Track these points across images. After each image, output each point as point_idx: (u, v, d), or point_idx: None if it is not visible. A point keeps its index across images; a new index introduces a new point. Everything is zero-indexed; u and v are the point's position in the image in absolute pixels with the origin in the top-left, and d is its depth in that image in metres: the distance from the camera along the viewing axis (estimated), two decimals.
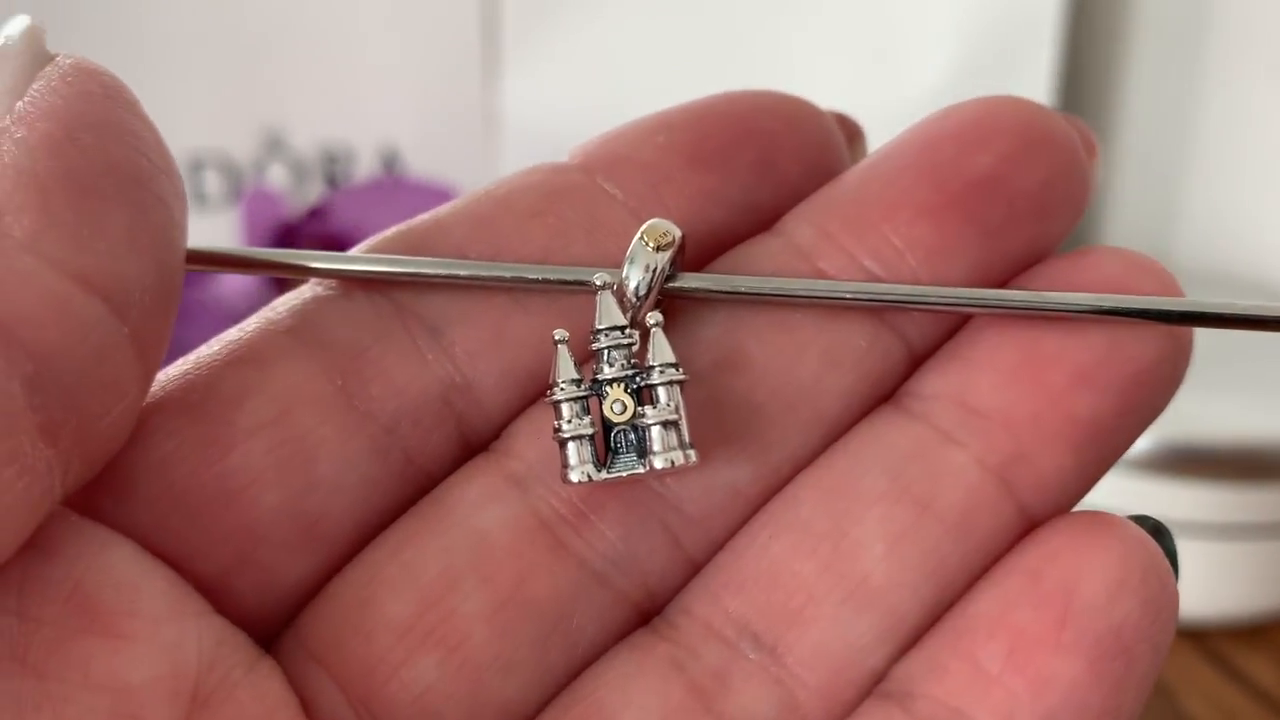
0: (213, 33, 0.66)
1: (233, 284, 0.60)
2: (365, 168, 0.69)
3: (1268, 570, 0.51)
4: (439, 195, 0.62)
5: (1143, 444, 0.49)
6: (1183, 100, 0.69)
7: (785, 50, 0.67)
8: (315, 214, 0.65)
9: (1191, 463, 0.50)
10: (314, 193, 0.68)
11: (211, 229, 0.66)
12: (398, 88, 0.69)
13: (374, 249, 0.24)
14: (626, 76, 0.66)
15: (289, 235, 0.65)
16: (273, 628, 0.23)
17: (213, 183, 0.68)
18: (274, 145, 0.69)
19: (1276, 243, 0.64)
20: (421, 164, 0.69)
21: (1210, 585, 0.52)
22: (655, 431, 0.22)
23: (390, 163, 0.70)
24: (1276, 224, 0.64)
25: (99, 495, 0.21)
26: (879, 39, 0.66)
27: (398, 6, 0.68)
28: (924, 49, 0.65)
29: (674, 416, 0.22)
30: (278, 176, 0.69)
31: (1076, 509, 0.23)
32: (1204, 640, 0.51)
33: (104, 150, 0.20)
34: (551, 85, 0.67)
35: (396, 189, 0.66)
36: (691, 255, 0.24)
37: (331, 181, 0.69)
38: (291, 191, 0.68)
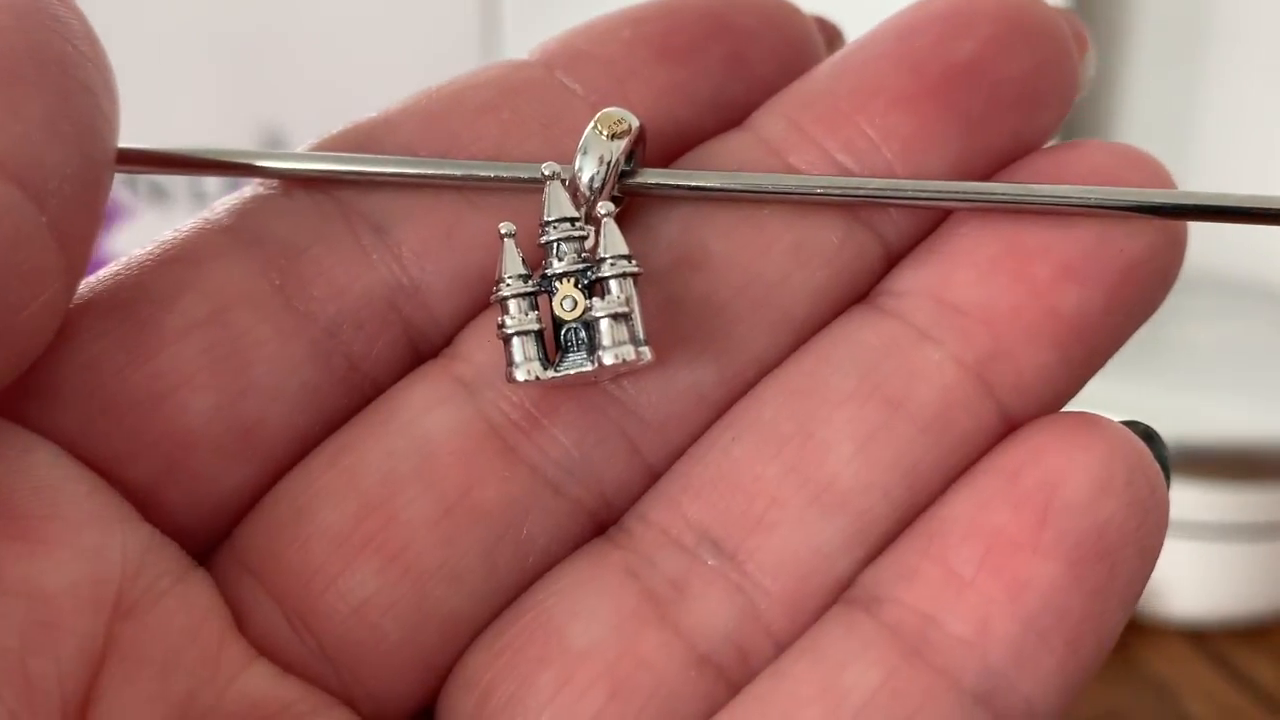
0: (213, 33, 0.66)
1: None
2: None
3: (1268, 570, 0.50)
4: None
5: None
6: (1182, 100, 0.68)
7: None
8: None
9: (1191, 463, 0.49)
10: None
11: None
12: (398, 87, 0.68)
13: (320, 147, 0.23)
14: None
15: None
16: (207, 539, 0.22)
17: (213, 182, 0.67)
18: (274, 145, 0.68)
19: (1276, 243, 0.64)
20: None
21: (1210, 585, 0.51)
22: (604, 325, 0.21)
23: None
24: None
25: (22, 397, 0.20)
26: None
27: (398, 6, 0.67)
28: None
29: (624, 309, 0.21)
30: None
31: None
32: (1204, 640, 0.50)
33: (25, 33, 0.19)
34: None
35: None
36: (658, 153, 0.23)
37: None
38: None
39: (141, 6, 0.63)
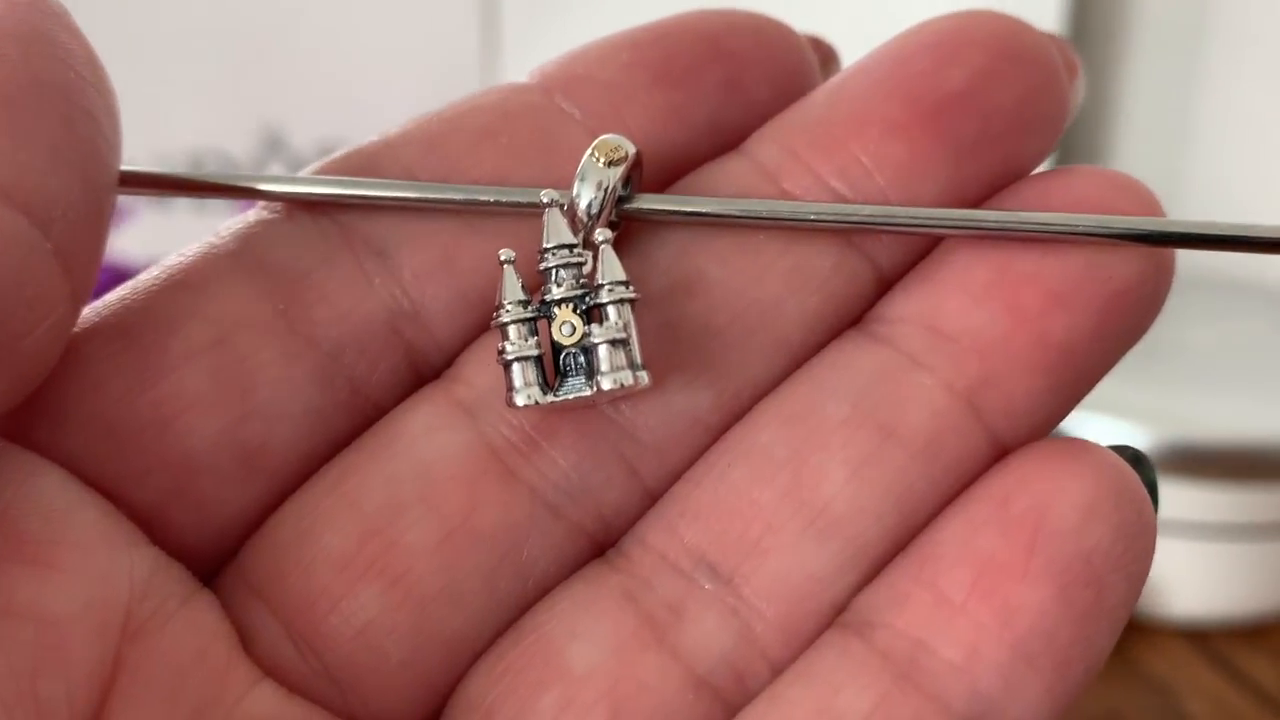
0: (213, 33, 0.66)
1: None
2: None
3: (1268, 570, 0.51)
4: None
5: (1143, 444, 0.48)
6: (1182, 100, 0.68)
7: None
8: None
9: (1191, 463, 0.49)
10: None
11: (211, 228, 0.65)
12: (398, 88, 0.68)
13: (321, 171, 0.23)
14: None
15: None
16: (213, 561, 0.22)
17: None
18: (274, 145, 0.68)
19: None
20: None
21: (1210, 585, 0.51)
22: (603, 351, 0.21)
23: None
24: (1276, 224, 0.64)
25: (29, 421, 0.21)
26: (877, 40, 0.66)
27: (398, 6, 0.67)
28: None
29: (622, 335, 0.21)
30: None
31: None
32: (1204, 640, 0.51)
33: (28, 62, 0.19)
34: None
35: None
36: (655, 178, 0.23)
37: None
38: None
39: (142, 6, 0.63)
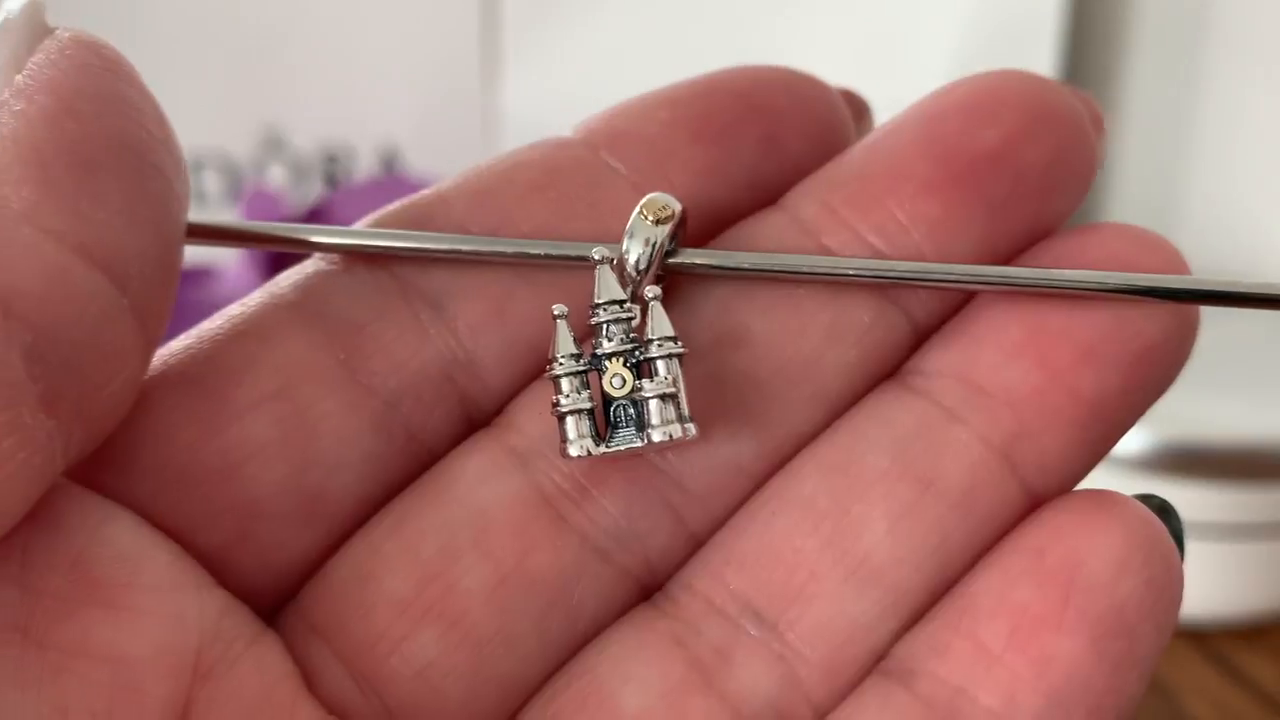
0: (213, 33, 0.66)
1: (234, 284, 0.60)
2: (365, 167, 0.69)
3: (1268, 570, 0.51)
4: None
5: (1143, 444, 0.49)
6: (1182, 100, 0.69)
7: (786, 50, 0.66)
8: (315, 214, 0.65)
9: (1191, 463, 0.49)
10: (314, 192, 0.68)
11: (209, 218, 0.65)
12: (398, 88, 0.69)
13: (377, 224, 0.24)
14: (626, 75, 0.66)
15: None
16: (274, 602, 0.23)
17: (212, 182, 0.67)
18: (274, 145, 0.69)
19: (1276, 243, 0.64)
20: (421, 163, 0.69)
21: (1210, 585, 0.51)
22: (653, 405, 0.22)
23: (390, 162, 0.69)
24: (1276, 224, 0.64)
25: (101, 468, 0.21)
26: (879, 41, 0.66)
27: (398, 6, 0.68)
28: (923, 52, 0.65)
29: (672, 389, 0.22)
30: (277, 176, 0.69)
31: (1079, 487, 0.23)
32: (1204, 640, 0.51)
33: (102, 122, 0.19)
34: (551, 84, 0.67)
35: (396, 188, 0.66)
36: (695, 231, 0.24)
37: (331, 181, 0.69)
38: (291, 191, 0.68)
39: (142, 6, 0.63)
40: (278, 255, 0.44)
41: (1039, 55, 0.65)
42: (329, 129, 0.69)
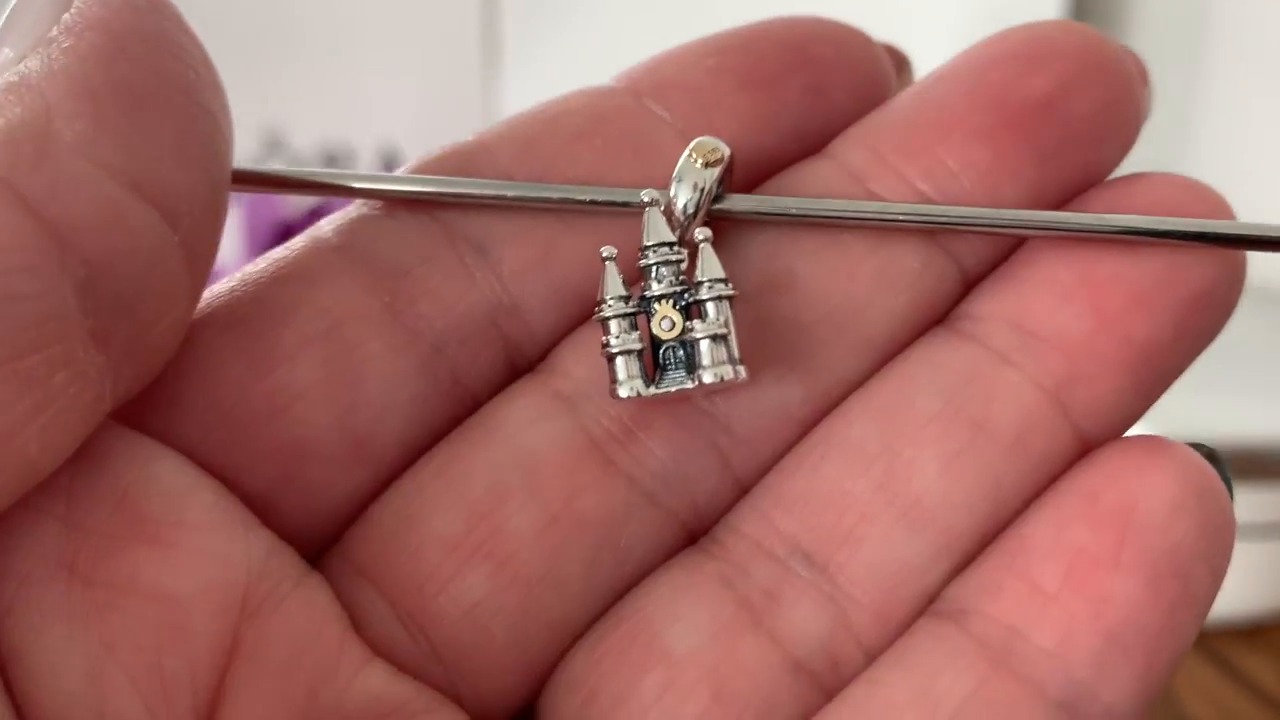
0: (213, 33, 0.66)
1: None
2: (365, 168, 0.69)
3: (1268, 570, 0.51)
4: None
5: None
6: (1182, 100, 0.69)
7: None
8: (315, 214, 0.65)
9: None
10: None
11: None
12: (398, 88, 0.69)
13: (419, 170, 0.24)
14: None
15: (289, 236, 0.65)
16: (320, 544, 0.23)
17: None
18: (274, 145, 0.69)
19: None
20: None
21: None
22: (704, 346, 0.22)
23: (390, 162, 0.69)
24: (1276, 224, 0.64)
25: (147, 409, 0.21)
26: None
27: (398, 6, 0.68)
28: (923, 52, 0.66)
29: (723, 331, 0.22)
30: None
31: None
32: (1204, 640, 0.51)
33: (153, 61, 0.19)
34: (551, 83, 0.67)
35: None
36: (741, 179, 0.24)
37: None
38: None
39: None
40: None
41: None
42: (329, 129, 0.69)
